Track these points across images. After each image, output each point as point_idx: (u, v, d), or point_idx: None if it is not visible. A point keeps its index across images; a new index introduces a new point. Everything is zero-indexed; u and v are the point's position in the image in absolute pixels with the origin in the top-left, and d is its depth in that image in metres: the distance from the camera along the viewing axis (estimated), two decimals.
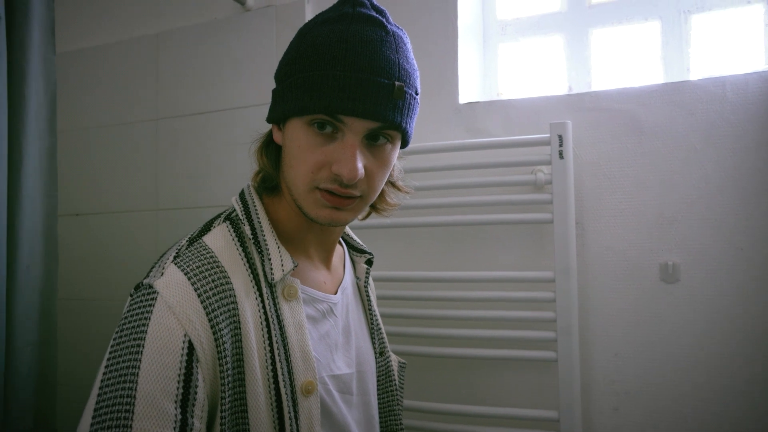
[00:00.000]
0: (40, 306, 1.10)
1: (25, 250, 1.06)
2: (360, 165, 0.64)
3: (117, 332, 0.61)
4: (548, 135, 1.25)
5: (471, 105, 1.41)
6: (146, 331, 0.59)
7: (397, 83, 0.64)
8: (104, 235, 1.73)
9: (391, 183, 0.81)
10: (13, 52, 1.04)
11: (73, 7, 1.83)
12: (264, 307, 0.67)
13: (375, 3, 0.70)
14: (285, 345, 0.67)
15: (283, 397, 0.64)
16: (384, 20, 0.67)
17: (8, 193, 1.03)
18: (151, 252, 1.65)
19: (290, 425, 0.64)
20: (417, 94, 0.69)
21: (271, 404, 0.64)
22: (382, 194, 0.79)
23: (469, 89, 1.46)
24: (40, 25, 1.09)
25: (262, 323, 0.66)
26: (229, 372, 0.61)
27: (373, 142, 0.67)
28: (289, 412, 0.64)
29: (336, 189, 0.65)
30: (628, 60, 1.44)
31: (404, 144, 0.73)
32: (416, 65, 0.70)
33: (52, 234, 1.13)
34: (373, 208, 0.82)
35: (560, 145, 1.23)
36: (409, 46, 0.70)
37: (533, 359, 1.27)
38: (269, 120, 0.73)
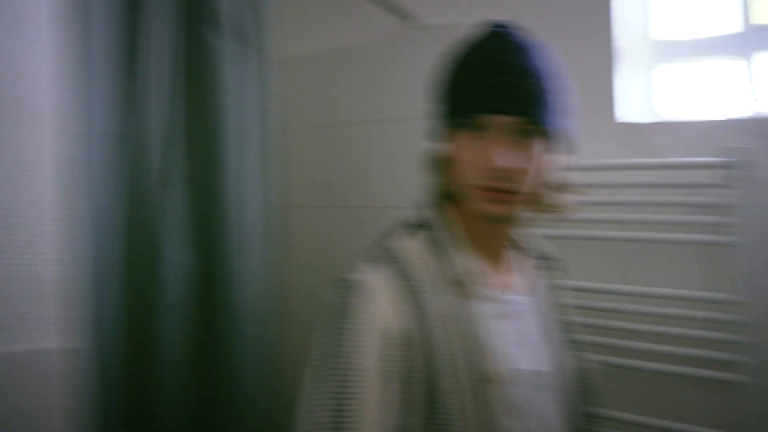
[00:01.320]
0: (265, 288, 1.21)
1: (253, 241, 1.18)
2: (508, 158, 0.73)
3: (324, 324, 0.73)
4: (729, 159, 1.26)
5: (636, 125, 1.44)
6: (349, 321, 0.70)
7: (533, 81, 0.74)
8: (319, 227, 1.90)
9: (553, 185, 0.83)
10: (246, 81, 1.18)
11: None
12: (447, 304, 0.75)
13: (515, 24, 0.81)
14: (467, 339, 0.75)
15: (465, 385, 0.72)
16: (522, 35, 0.79)
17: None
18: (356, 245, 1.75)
19: (474, 410, 0.72)
20: (559, 94, 0.78)
21: (457, 390, 0.72)
22: (544, 195, 0.82)
23: (630, 109, 1.49)
24: (258, 53, 1.23)
25: (445, 318, 0.74)
26: (419, 358, 0.71)
27: (521, 138, 0.75)
28: (473, 399, 0.72)
29: (495, 185, 0.74)
30: None
31: (562, 144, 0.80)
32: (557, 70, 0.79)
33: (273, 225, 1.25)
34: (541, 209, 0.84)
35: (743, 169, 1.24)
36: (549, 55, 0.80)
37: (717, 380, 1.29)
38: (436, 136, 0.83)
